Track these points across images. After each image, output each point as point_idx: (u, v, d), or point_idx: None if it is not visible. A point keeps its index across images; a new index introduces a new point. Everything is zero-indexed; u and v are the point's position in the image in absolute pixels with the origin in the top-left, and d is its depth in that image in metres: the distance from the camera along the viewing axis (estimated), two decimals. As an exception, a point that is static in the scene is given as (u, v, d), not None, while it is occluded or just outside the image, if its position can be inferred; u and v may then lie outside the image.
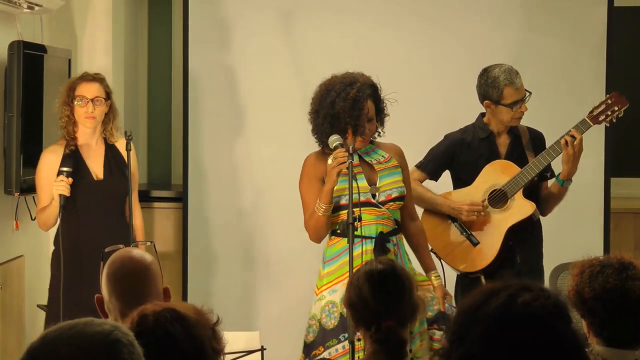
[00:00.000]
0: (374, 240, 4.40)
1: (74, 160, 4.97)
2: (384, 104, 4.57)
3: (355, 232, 4.35)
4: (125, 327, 2.02)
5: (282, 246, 6.09)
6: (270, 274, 6.13)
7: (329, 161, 4.35)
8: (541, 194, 5.00)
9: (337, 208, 4.44)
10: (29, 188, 5.38)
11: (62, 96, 5.02)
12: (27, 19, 5.69)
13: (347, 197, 4.33)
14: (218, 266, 6.16)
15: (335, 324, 4.38)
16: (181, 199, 6.21)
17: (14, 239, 5.61)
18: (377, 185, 4.48)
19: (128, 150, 4.98)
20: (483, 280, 4.85)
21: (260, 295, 6.13)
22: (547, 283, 4.95)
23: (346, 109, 4.42)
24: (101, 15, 6.20)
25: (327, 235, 4.55)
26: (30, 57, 5.38)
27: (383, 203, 4.45)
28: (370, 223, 4.39)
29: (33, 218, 5.65)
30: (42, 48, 5.58)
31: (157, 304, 2.46)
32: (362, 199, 4.38)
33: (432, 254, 4.87)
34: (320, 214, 4.40)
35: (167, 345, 2.33)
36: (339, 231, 4.45)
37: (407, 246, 4.64)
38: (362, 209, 4.35)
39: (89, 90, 4.98)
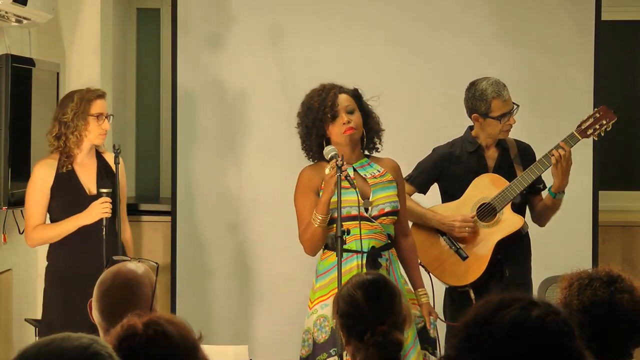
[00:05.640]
0: (365, 254, 4.40)
1: (58, 176, 4.95)
2: (374, 114, 4.59)
3: (348, 247, 4.36)
4: (103, 340, 2.02)
5: (271, 260, 6.09)
6: (260, 288, 6.12)
7: (326, 171, 4.35)
8: (537, 205, 5.02)
9: (331, 221, 4.44)
10: (17, 202, 5.37)
11: (77, 113, 4.90)
12: (15, 32, 5.69)
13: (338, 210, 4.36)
14: (207, 280, 6.15)
15: (327, 337, 4.37)
16: (170, 212, 6.20)
17: (2, 253, 5.60)
18: (370, 200, 4.47)
19: (116, 164, 4.96)
20: (472, 294, 4.85)
21: (249, 309, 6.12)
22: (535, 296, 4.95)
23: (318, 103, 4.47)
24: (89, 28, 6.19)
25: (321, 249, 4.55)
26: (18, 71, 5.37)
27: (376, 217, 4.44)
28: (363, 237, 4.38)
29: (21, 232, 5.63)
30: (30, 61, 5.58)
31: (144, 317, 2.45)
32: (355, 212, 4.37)
33: (420, 267, 4.87)
34: (316, 225, 4.39)
35: (160, 347, 2.33)
36: (328, 244, 4.45)
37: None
38: (353, 222, 4.35)
39: (103, 107, 4.95)
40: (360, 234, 4.34)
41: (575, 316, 2.96)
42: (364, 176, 4.52)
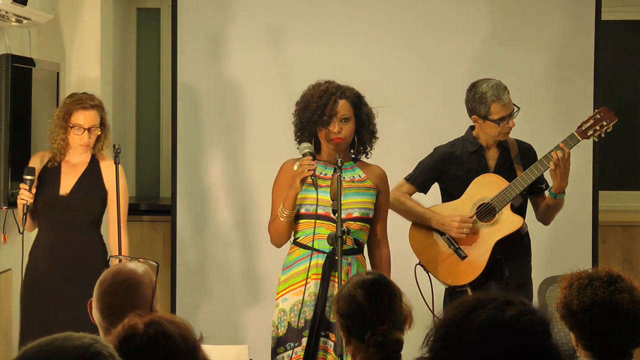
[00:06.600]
0: (325, 255, 4.39)
1: (44, 170, 4.98)
2: (371, 122, 4.56)
3: (309, 245, 4.41)
4: (104, 340, 2.02)
5: (270, 260, 6.06)
6: (260, 288, 6.11)
7: (295, 167, 4.37)
8: (540, 205, 5.02)
9: (296, 217, 4.46)
10: (16, 201, 5.37)
11: (57, 119, 4.97)
12: (15, 32, 5.69)
13: (306, 207, 4.42)
14: (206, 279, 6.15)
15: (285, 332, 4.41)
16: (170, 212, 6.20)
17: (2, 253, 5.60)
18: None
19: (117, 163, 4.96)
20: (470, 293, 4.85)
21: (248, 309, 6.12)
22: (535, 296, 4.96)
23: (315, 105, 4.45)
24: (89, 28, 6.19)
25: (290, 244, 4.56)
26: (18, 70, 5.37)
27: (342, 220, 4.42)
28: (325, 238, 4.37)
29: (21, 231, 5.64)
30: (30, 61, 5.58)
31: (145, 317, 2.45)
32: (321, 212, 4.39)
33: (420, 267, 4.88)
34: (282, 219, 4.43)
35: (160, 347, 2.33)
36: (315, 244, 4.44)
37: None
38: (317, 221, 4.38)
39: (86, 119, 4.94)
40: (314, 233, 4.34)
41: (575, 316, 2.96)
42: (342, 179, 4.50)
